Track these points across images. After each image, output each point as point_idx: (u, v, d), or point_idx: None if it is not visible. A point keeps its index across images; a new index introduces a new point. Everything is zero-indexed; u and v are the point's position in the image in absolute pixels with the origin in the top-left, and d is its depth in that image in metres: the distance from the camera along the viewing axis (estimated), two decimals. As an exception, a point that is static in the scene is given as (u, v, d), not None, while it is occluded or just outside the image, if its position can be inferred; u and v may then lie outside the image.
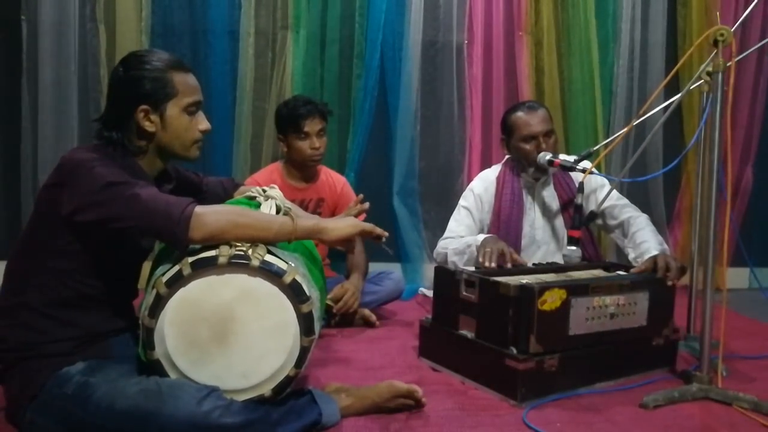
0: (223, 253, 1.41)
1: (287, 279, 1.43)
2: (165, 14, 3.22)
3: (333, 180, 2.89)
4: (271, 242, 1.49)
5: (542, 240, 2.52)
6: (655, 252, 2.21)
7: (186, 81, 1.55)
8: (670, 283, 2.07)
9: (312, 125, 2.66)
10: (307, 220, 1.57)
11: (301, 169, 2.77)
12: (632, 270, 2.17)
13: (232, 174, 3.25)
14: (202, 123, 1.59)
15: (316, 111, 2.68)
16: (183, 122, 1.55)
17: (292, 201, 2.73)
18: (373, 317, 2.66)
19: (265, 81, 3.30)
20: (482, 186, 2.59)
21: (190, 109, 1.56)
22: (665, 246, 2.30)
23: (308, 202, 2.81)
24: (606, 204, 2.41)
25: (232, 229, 1.42)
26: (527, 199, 2.53)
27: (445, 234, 2.56)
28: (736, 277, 3.63)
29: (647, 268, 2.13)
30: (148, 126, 1.53)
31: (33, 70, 3.08)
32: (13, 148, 3.12)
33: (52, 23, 3.06)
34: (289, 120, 2.67)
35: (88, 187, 1.39)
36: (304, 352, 1.47)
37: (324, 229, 1.56)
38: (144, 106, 1.51)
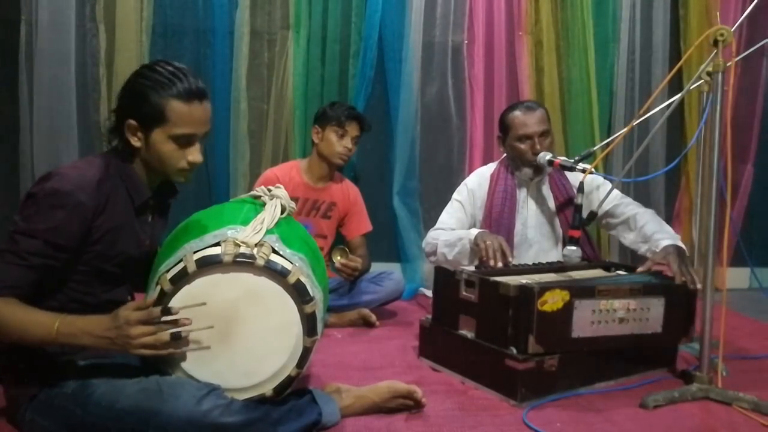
0: (228, 251, 1.40)
1: (291, 279, 1.43)
2: (165, 14, 3.21)
3: (347, 187, 2.98)
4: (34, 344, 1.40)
5: (534, 239, 2.52)
6: (667, 242, 2.15)
7: (184, 111, 1.46)
8: (692, 286, 1.99)
9: (352, 128, 2.83)
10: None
11: (324, 166, 2.85)
12: (639, 269, 2.14)
13: (229, 173, 3.26)
14: (193, 154, 1.50)
15: (359, 119, 2.86)
16: (167, 149, 1.48)
17: (306, 200, 2.81)
18: (373, 317, 2.66)
19: (265, 81, 3.30)
20: (476, 181, 2.60)
21: (180, 141, 1.48)
22: (676, 235, 2.25)
23: (321, 204, 2.88)
24: (608, 205, 2.39)
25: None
26: (520, 198, 2.53)
27: (437, 225, 2.57)
28: (736, 277, 3.63)
29: (656, 260, 2.09)
30: (134, 141, 1.49)
31: (31, 70, 3.07)
32: (11, 148, 3.11)
33: (51, 23, 3.05)
34: (334, 115, 2.81)
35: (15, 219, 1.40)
36: (306, 352, 1.47)
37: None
38: (132, 121, 1.48)
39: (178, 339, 1.37)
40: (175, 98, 1.46)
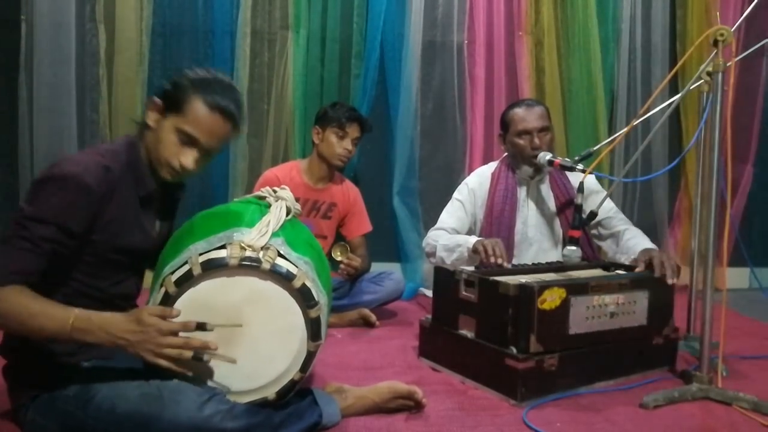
0: (234, 254, 1.39)
1: (297, 283, 1.42)
2: (165, 14, 3.22)
3: (347, 188, 2.97)
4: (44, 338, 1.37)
5: (534, 238, 2.52)
6: (646, 246, 2.23)
7: (201, 115, 1.48)
8: (670, 281, 2.05)
9: (353, 130, 2.81)
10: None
11: (324, 167, 2.85)
12: (637, 269, 2.15)
13: (229, 173, 3.26)
14: (185, 156, 1.50)
15: (360, 121, 2.85)
16: (167, 139, 1.50)
17: (306, 200, 2.81)
18: (373, 317, 2.67)
19: (265, 81, 3.31)
20: (477, 181, 2.61)
21: (182, 137, 1.49)
22: (657, 248, 2.31)
23: (321, 204, 2.88)
24: (603, 215, 2.43)
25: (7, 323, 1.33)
26: (521, 197, 2.54)
27: (437, 225, 2.58)
28: (736, 277, 3.63)
29: (640, 260, 2.14)
30: (150, 118, 1.52)
31: (31, 70, 3.07)
32: (11, 148, 3.11)
33: (51, 23, 3.05)
34: (335, 116, 2.80)
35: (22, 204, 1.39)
36: (309, 357, 1.47)
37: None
38: (158, 99, 1.52)
39: (199, 360, 1.35)
40: (202, 101, 1.49)
